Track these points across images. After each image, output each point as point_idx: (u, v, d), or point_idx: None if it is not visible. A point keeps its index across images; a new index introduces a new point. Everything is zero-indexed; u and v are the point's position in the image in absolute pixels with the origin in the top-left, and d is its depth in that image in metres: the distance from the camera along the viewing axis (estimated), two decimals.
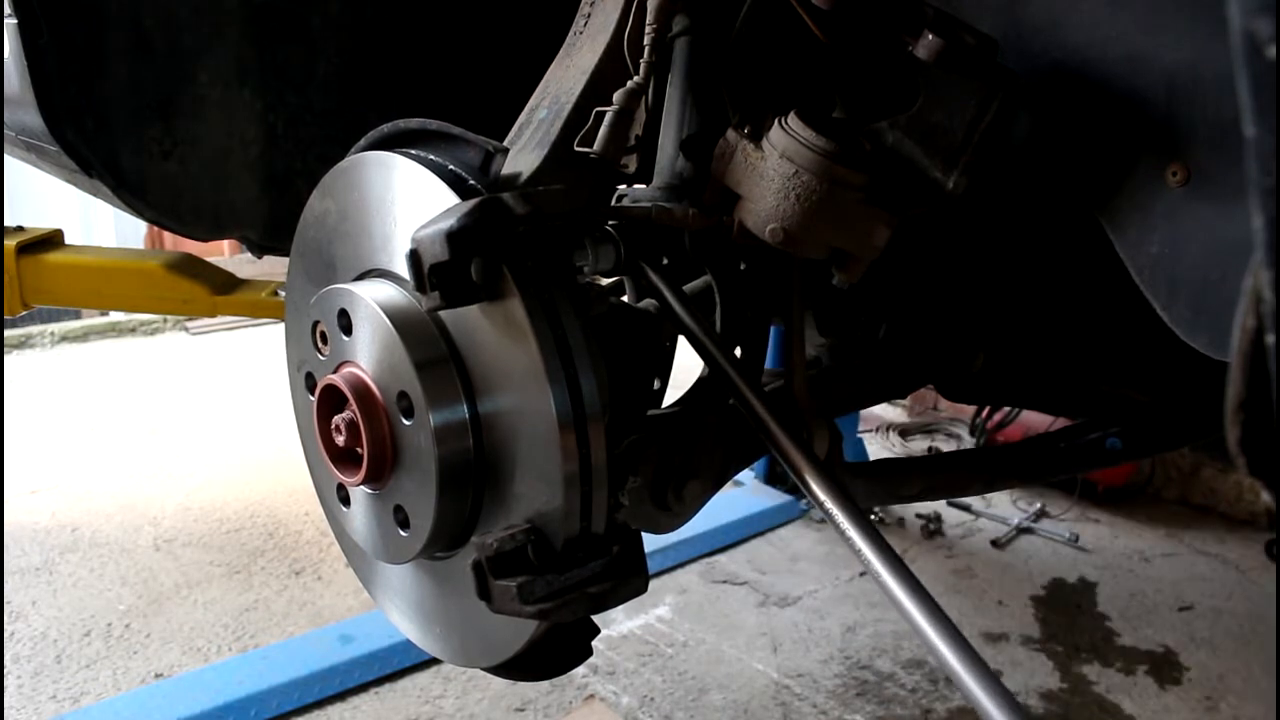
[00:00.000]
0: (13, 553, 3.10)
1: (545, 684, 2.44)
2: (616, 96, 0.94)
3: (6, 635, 2.62)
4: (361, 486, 1.01)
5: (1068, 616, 2.88)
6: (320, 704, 2.36)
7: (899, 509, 3.49)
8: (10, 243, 2.63)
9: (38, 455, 3.93)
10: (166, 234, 5.62)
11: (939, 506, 3.53)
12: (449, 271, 0.83)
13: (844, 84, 1.04)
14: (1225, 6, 0.42)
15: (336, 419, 0.99)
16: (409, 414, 0.93)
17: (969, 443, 4.07)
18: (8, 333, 5.44)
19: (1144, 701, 2.48)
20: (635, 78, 0.95)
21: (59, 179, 1.97)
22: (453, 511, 0.95)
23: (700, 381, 1.10)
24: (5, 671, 2.45)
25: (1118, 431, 1.54)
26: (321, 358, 1.05)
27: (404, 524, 0.98)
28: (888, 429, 4.38)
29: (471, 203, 0.83)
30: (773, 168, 0.92)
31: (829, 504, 0.93)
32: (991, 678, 0.79)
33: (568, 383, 0.86)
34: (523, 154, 0.98)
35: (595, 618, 1.00)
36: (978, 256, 1.49)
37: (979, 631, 2.77)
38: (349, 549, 1.21)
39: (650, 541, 0.99)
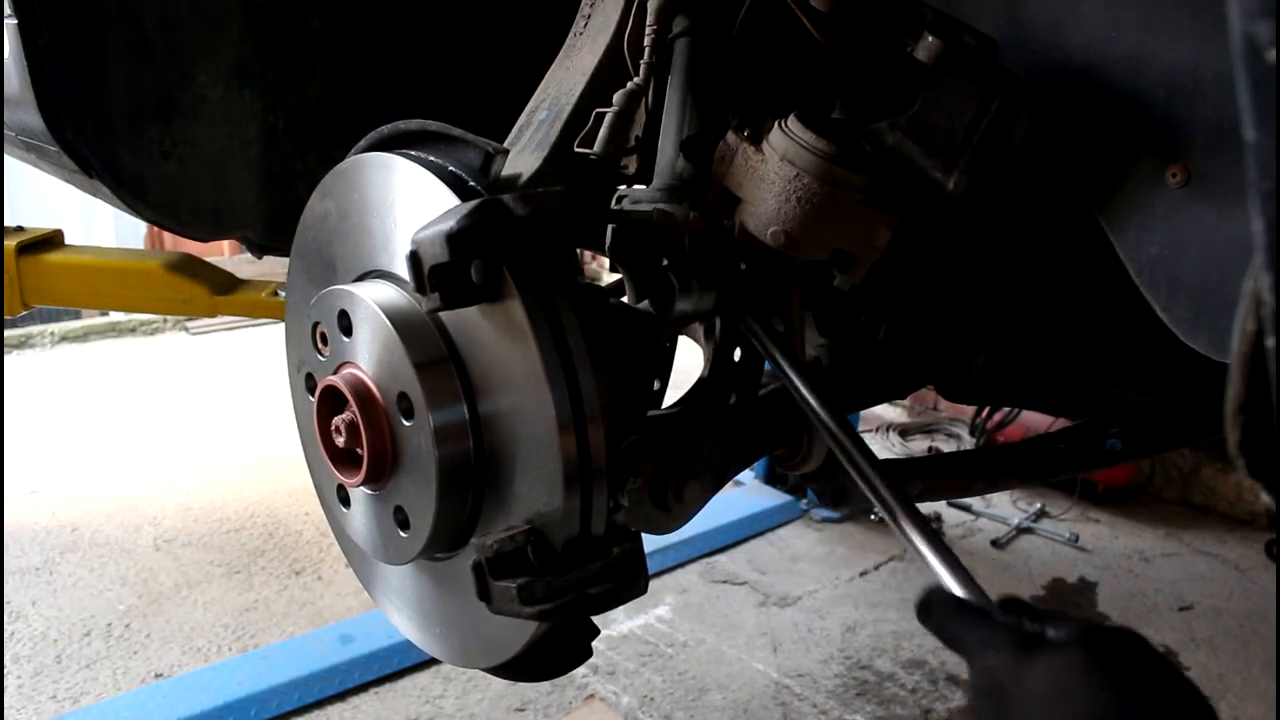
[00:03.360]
0: (13, 553, 3.10)
1: (545, 684, 2.44)
2: (616, 98, 0.94)
3: (6, 635, 2.62)
4: (361, 487, 1.01)
5: None
6: (320, 704, 2.36)
7: None
8: (10, 243, 2.63)
9: (38, 455, 3.92)
10: (166, 234, 5.62)
11: (939, 506, 3.53)
12: (449, 273, 0.83)
13: (843, 85, 1.04)
14: (1225, 8, 0.42)
15: (336, 420, 0.99)
16: (409, 415, 0.93)
17: (969, 443, 4.07)
18: (8, 333, 5.43)
19: None
20: (635, 79, 0.95)
21: (59, 179, 1.97)
22: (452, 512, 0.95)
23: (700, 381, 1.10)
24: (5, 671, 2.45)
25: (1118, 432, 1.54)
26: (321, 359, 1.05)
27: (404, 525, 0.98)
28: (888, 429, 4.38)
29: (471, 204, 0.82)
30: (773, 170, 0.92)
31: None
32: None
33: (567, 383, 0.86)
34: (523, 155, 0.98)
35: (595, 618, 1.00)
36: (978, 257, 1.49)
37: None
38: (349, 549, 1.21)
39: (650, 541, 0.99)
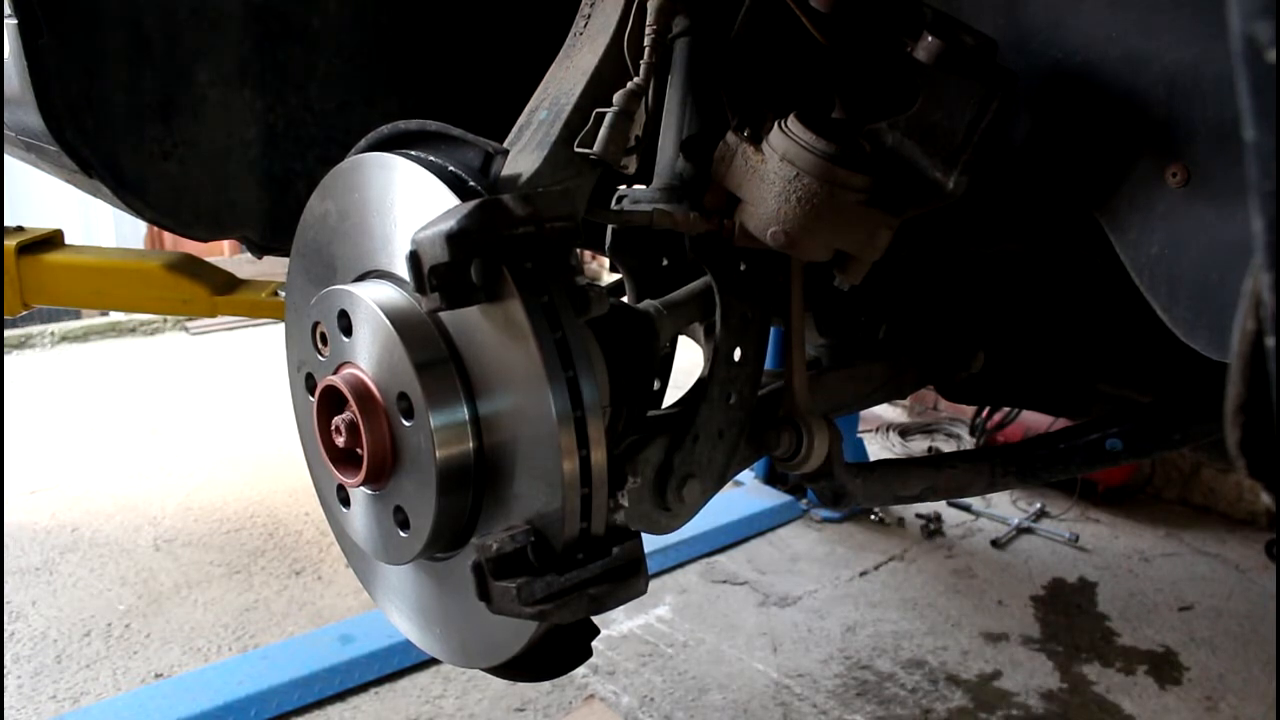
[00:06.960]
0: (13, 553, 3.10)
1: (545, 684, 2.44)
2: (616, 97, 0.93)
3: (6, 635, 2.62)
4: (361, 487, 1.01)
5: (1068, 616, 2.88)
6: (320, 704, 2.36)
7: (899, 509, 3.49)
8: (10, 243, 2.63)
9: (38, 455, 3.93)
10: (166, 234, 5.62)
11: (939, 506, 3.53)
12: (449, 273, 0.83)
13: (843, 85, 1.04)
14: (1225, 8, 0.42)
15: (336, 420, 0.99)
16: (409, 415, 0.93)
17: (969, 443, 4.07)
18: (8, 333, 5.44)
19: (1144, 701, 2.48)
20: (635, 79, 0.94)
21: (59, 179, 1.97)
22: (452, 512, 0.95)
23: (700, 381, 1.10)
24: (5, 671, 2.45)
25: (1118, 432, 1.54)
26: (321, 359, 1.05)
27: (404, 525, 0.98)
28: (888, 429, 4.38)
29: (471, 204, 0.83)
30: (773, 171, 0.92)
31: None
32: None
33: (567, 383, 0.86)
34: (523, 155, 0.97)
35: (595, 618, 1.00)
36: (978, 257, 1.49)
37: (979, 631, 2.78)
38: (349, 549, 1.21)
39: (650, 541, 0.99)
